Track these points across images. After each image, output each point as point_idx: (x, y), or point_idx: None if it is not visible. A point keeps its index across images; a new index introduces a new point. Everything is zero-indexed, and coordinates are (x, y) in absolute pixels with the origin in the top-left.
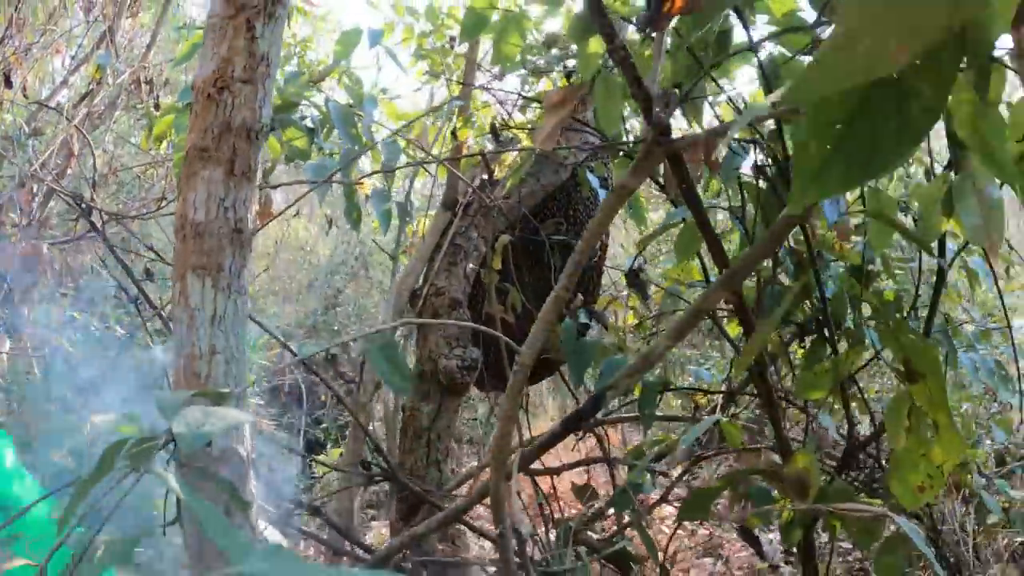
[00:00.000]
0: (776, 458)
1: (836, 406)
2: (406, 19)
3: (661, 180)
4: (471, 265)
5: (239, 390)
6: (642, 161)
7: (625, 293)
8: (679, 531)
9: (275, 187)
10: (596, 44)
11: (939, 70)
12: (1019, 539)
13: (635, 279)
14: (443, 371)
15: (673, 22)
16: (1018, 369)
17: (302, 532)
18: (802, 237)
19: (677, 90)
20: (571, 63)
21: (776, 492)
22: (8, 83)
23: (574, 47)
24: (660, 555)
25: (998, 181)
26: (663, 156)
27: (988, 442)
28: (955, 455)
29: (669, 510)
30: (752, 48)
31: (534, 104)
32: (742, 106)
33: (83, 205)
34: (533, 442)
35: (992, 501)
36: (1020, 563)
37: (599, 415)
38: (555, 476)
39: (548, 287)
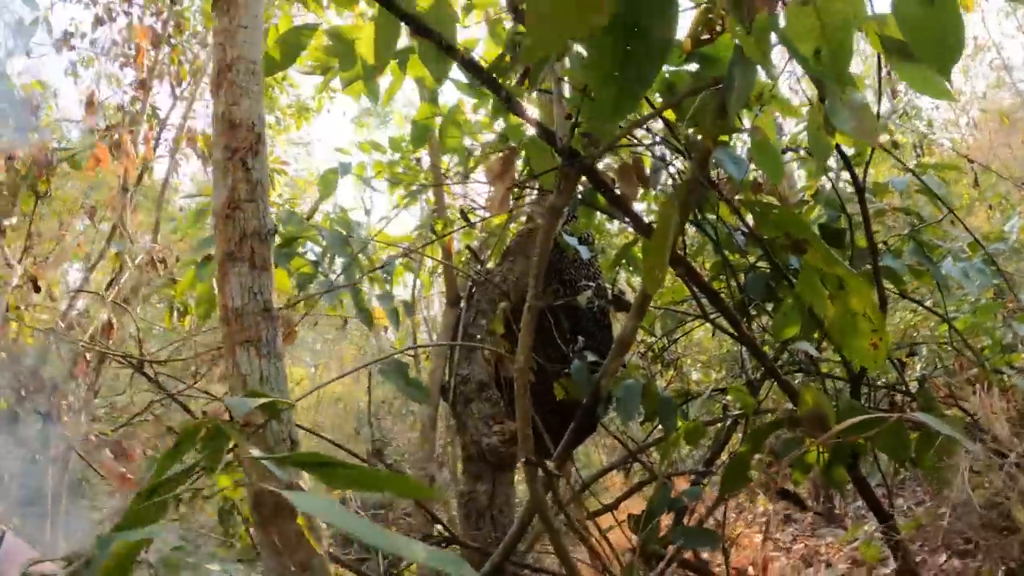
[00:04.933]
0: (788, 406)
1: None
2: (374, 155)
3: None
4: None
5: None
6: (563, 184)
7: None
8: (772, 549)
9: (292, 305)
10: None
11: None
12: None
13: (619, 303)
14: (487, 450)
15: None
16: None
17: None
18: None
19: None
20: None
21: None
22: (36, 288)
23: None
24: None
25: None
26: (577, 176)
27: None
28: (867, 295)
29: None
30: None
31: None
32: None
33: (134, 361)
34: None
35: None
36: None
37: (642, 443)
38: (614, 511)
39: (557, 348)
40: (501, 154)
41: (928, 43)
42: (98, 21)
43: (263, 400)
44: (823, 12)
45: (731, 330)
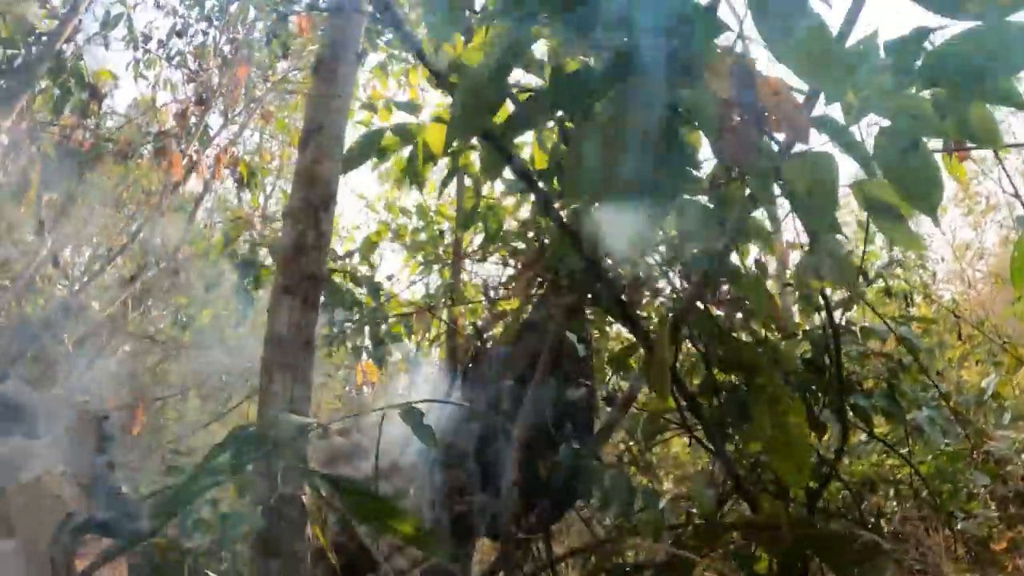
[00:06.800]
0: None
1: None
2: (400, 219)
3: None
4: None
5: None
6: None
7: None
8: None
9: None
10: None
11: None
12: None
13: (610, 401)
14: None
15: None
16: None
17: None
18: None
19: None
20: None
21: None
22: (56, 263)
23: None
24: None
25: None
26: (595, 281)
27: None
28: (800, 413)
29: None
30: None
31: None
32: None
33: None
34: None
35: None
36: None
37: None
38: None
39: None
40: (530, 244)
41: (910, 185)
42: (176, 33)
43: (306, 421)
44: (811, 167)
45: (708, 443)
